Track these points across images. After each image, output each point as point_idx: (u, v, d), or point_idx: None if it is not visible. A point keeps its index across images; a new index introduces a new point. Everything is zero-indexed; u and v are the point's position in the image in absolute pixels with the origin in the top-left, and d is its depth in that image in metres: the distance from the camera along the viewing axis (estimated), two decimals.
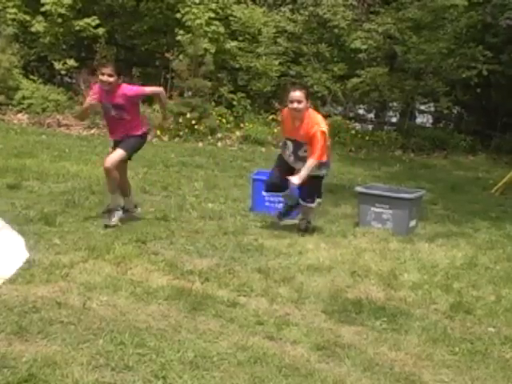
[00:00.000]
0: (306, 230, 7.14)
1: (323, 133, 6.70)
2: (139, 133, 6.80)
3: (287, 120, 6.98)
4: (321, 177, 7.06)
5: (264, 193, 7.36)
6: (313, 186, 6.97)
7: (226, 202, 8.18)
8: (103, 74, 6.56)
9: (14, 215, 6.59)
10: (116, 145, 6.85)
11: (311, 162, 6.67)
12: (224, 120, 13.83)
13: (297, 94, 6.75)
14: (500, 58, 14.73)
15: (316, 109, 16.69)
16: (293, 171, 6.90)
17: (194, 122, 13.18)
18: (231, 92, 14.83)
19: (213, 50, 14.19)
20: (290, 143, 6.95)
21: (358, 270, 5.90)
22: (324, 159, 6.82)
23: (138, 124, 6.79)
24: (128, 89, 6.67)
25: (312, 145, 6.67)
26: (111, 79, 6.53)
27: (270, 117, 14.43)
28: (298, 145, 6.87)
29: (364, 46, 14.55)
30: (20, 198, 7.29)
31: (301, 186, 6.86)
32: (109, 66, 6.69)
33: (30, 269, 5.10)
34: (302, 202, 7.07)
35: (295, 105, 6.73)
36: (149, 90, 7.11)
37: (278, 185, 6.99)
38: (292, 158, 6.95)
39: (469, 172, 12.96)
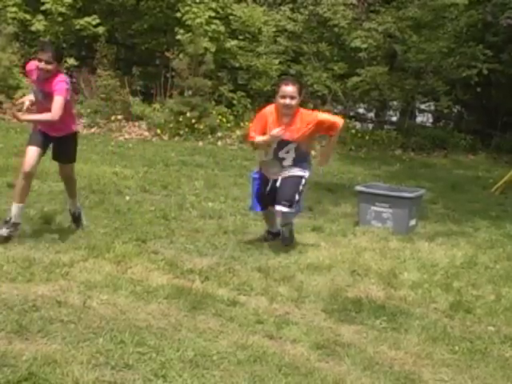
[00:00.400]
0: (291, 238, 6.45)
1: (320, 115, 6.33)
2: (72, 132, 6.13)
3: (272, 116, 6.17)
4: (303, 177, 6.27)
5: (255, 209, 6.72)
6: (293, 186, 6.19)
7: (226, 201, 8.19)
8: (40, 61, 5.67)
9: None
10: (40, 137, 5.99)
11: (334, 138, 6.34)
12: (224, 119, 13.83)
13: (289, 88, 6.01)
14: (500, 57, 14.74)
15: (316, 108, 16.70)
16: (274, 190, 6.27)
17: (194, 121, 13.18)
18: (231, 91, 14.83)
19: (213, 49, 14.20)
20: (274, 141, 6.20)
21: (357, 269, 5.90)
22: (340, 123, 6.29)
23: (69, 120, 6.01)
24: (60, 83, 5.71)
25: (326, 126, 6.18)
26: (49, 67, 5.66)
27: None
28: (281, 144, 6.14)
29: (364, 45, 14.55)
30: None
31: (277, 185, 6.24)
32: (47, 51, 5.70)
33: (30, 267, 5.10)
34: (276, 205, 6.21)
35: (287, 101, 5.99)
36: (60, 103, 5.67)
37: (269, 201, 6.34)
38: (270, 158, 6.27)
39: (469, 171, 12.96)
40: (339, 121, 6.33)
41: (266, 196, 6.34)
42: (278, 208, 6.17)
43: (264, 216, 6.66)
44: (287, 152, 6.16)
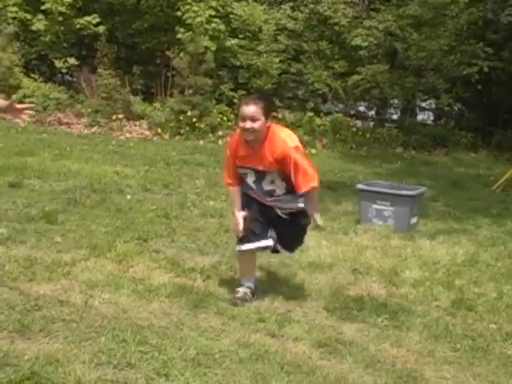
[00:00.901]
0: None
1: (297, 148, 4.80)
2: None
3: (240, 146, 4.91)
4: (305, 214, 5.00)
5: (242, 247, 4.99)
6: (303, 227, 5.08)
7: (227, 199, 8.16)
8: None
9: (16, 213, 6.59)
10: None
11: (312, 195, 4.88)
12: (225, 118, 13.83)
13: (250, 108, 4.72)
14: (501, 54, 14.72)
15: (317, 106, 16.62)
16: (267, 212, 4.94)
17: (194, 119, 13.19)
18: (232, 90, 14.83)
19: (213, 48, 14.19)
20: (249, 172, 4.93)
21: (359, 267, 5.90)
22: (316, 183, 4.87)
23: None
24: None
25: (295, 170, 4.75)
26: None
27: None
28: (260, 175, 4.89)
29: (365, 43, 14.55)
30: (21, 196, 7.30)
31: (284, 231, 4.99)
32: None
33: (32, 267, 5.10)
34: (285, 252, 5.21)
35: (248, 124, 4.70)
36: None
37: (258, 233, 4.95)
38: (256, 189, 4.95)
39: (470, 169, 12.95)
40: (313, 181, 4.83)
41: (257, 230, 4.93)
42: (284, 253, 5.25)
43: (242, 259, 5.14)
44: (272, 182, 4.90)
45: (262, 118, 4.71)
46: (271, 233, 5.00)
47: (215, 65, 14.09)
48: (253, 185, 4.93)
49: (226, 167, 5.09)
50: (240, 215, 4.91)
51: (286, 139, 4.81)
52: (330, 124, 14.41)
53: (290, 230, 5.03)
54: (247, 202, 4.97)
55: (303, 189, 4.80)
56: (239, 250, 5.02)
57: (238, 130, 5.04)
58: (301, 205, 4.89)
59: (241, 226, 4.87)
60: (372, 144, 14.45)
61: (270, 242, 4.99)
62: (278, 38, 15.27)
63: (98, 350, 3.87)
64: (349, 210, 8.21)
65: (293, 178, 4.78)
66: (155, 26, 15.90)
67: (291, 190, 4.85)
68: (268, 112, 4.78)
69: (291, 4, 16.00)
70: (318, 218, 5.03)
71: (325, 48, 15.22)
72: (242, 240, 4.96)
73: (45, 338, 3.97)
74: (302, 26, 15.40)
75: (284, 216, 4.95)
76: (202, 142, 12.86)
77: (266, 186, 4.91)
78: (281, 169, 4.81)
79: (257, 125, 4.70)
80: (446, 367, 4.15)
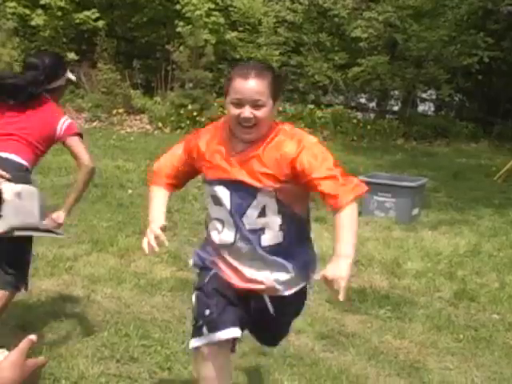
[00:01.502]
0: None
1: (317, 144, 2.80)
2: None
3: (215, 143, 3.01)
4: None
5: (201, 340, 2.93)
6: (289, 324, 3.28)
7: None
8: None
9: None
10: None
11: (351, 210, 2.75)
12: (226, 111, 13.80)
13: (251, 84, 2.76)
14: (501, 44, 14.70)
15: (318, 99, 16.54)
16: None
17: (195, 113, 13.18)
18: None
19: (213, 41, 14.18)
20: (221, 191, 2.96)
21: (361, 259, 5.89)
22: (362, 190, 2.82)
23: None
24: None
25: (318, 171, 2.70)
26: None
27: None
28: (243, 194, 2.86)
29: (364, 35, 14.52)
30: None
31: (264, 323, 3.08)
32: None
33: (34, 262, 5.08)
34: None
35: (247, 112, 2.77)
36: None
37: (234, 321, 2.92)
38: (230, 236, 3.02)
39: (471, 159, 12.93)
40: (350, 188, 2.75)
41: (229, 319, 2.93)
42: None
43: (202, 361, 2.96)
44: (262, 214, 2.90)
45: (270, 102, 2.77)
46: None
47: (215, 58, 14.07)
48: (230, 215, 2.94)
49: (166, 158, 3.27)
50: (156, 226, 3.24)
51: (302, 138, 2.81)
52: (330, 116, 14.39)
53: (278, 320, 3.11)
54: (206, 273, 3.14)
55: (343, 200, 2.72)
56: (194, 348, 2.92)
57: (215, 123, 3.21)
58: (315, 277, 3.12)
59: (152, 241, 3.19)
60: (373, 136, 14.43)
61: (238, 333, 2.92)
62: (278, 30, 15.25)
63: (101, 344, 3.88)
64: None
65: (317, 186, 2.73)
66: (154, 20, 15.88)
67: (292, 230, 3.00)
68: (277, 91, 2.83)
69: None
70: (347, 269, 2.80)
71: (325, 40, 15.20)
72: (200, 328, 2.92)
73: (47, 333, 3.98)
74: (301, 18, 15.37)
75: (271, 309, 3.02)
76: None
77: (250, 218, 2.90)
78: (286, 181, 2.79)
79: (261, 113, 2.76)
80: (449, 358, 4.15)
